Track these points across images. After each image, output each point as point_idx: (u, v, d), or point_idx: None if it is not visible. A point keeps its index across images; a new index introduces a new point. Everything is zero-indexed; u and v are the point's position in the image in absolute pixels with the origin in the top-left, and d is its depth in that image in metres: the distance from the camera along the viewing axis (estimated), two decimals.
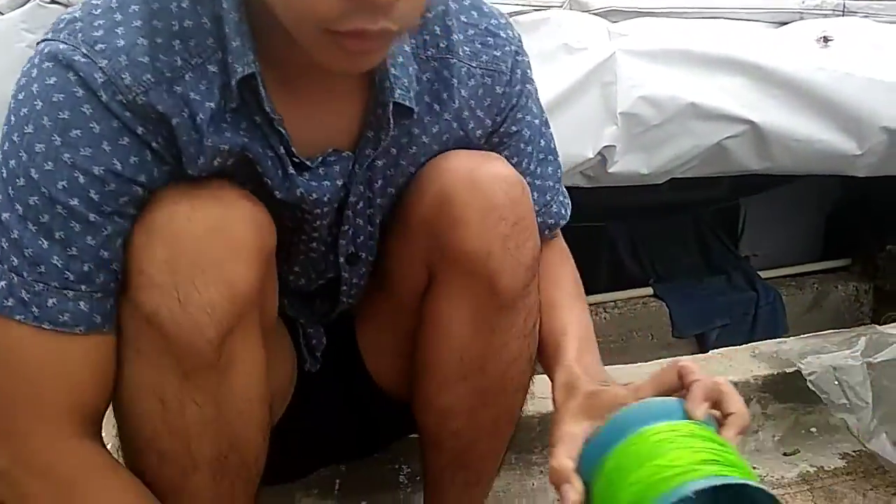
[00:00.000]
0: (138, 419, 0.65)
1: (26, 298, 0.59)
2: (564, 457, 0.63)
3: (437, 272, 0.75)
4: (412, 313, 0.80)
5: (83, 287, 0.60)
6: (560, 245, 0.90)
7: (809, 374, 1.21)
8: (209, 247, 0.59)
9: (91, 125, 0.59)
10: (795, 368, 1.24)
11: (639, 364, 1.27)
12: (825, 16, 1.62)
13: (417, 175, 0.75)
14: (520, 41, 0.79)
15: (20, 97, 0.60)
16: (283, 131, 0.65)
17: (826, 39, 1.56)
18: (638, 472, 0.57)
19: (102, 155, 0.59)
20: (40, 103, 0.59)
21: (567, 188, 0.90)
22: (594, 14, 1.57)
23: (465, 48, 0.73)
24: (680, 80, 1.50)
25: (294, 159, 0.67)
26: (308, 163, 0.68)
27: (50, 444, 0.61)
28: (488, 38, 0.75)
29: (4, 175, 0.60)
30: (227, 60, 0.61)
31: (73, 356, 0.61)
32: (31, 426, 0.60)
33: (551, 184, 0.85)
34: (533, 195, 0.77)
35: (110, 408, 0.67)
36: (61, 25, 0.61)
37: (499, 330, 0.75)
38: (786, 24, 1.62)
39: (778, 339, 1.38)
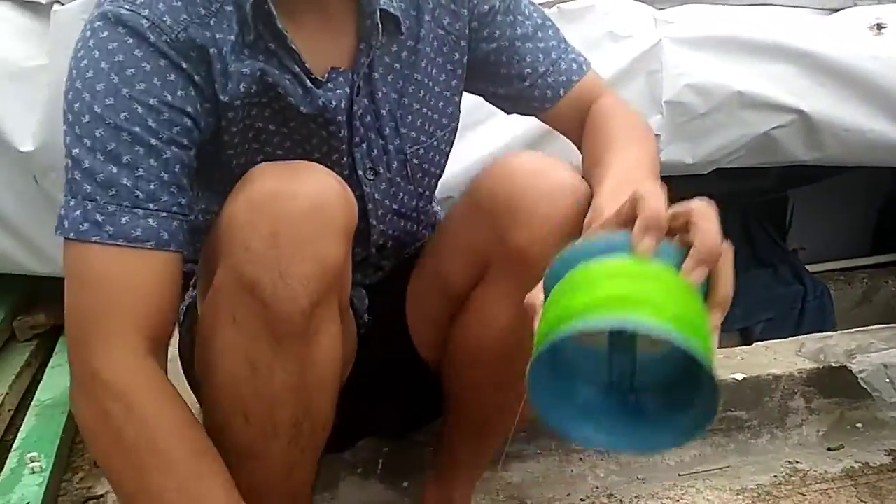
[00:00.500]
0: (228, 383, 0.69)
1: (100, 220, 0.64)
2: (537, 291, 0.61)
3: (493, 265, 0.79)
4: (460, 294, 0.84)
5: (151, 205, 0.66)
6: (604, 101, 0.88)
7: (860, 372, 1.19)
8: (309, 224, 0.64)
9: (143, 65, 0.67)
10: (842, 363, 1.22)
11: None
12: (879, 2, 1.58)
13: (485, 170, 0.79)
14: None
15: (79, 55, 0.68)
16: (295, 48, 0.73)
17: (880, 27, 1.51)
18: (548, 314, 0.52)
19: (155, 88, 0.67)
20: (97, 52, 0.67)
21: None
22: (640, 1, 1.55)
23: None
24: (727, 67, 1.47)
25: (310, 76, 0.75)
26: (320, 78, 0.76)
27: (124, 358, 0.64)
28: None
29: (70, 119, 0.67)
30: None
31: (144, 270, 0.66)
32: (107, 337, 0.64)
33: (554, 43, 0.88)
34: (538, 57, 0.85)
35: None
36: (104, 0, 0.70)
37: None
38: (838, 10, 1.58)
39: (823, 334, 1.36)
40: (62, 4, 1.24)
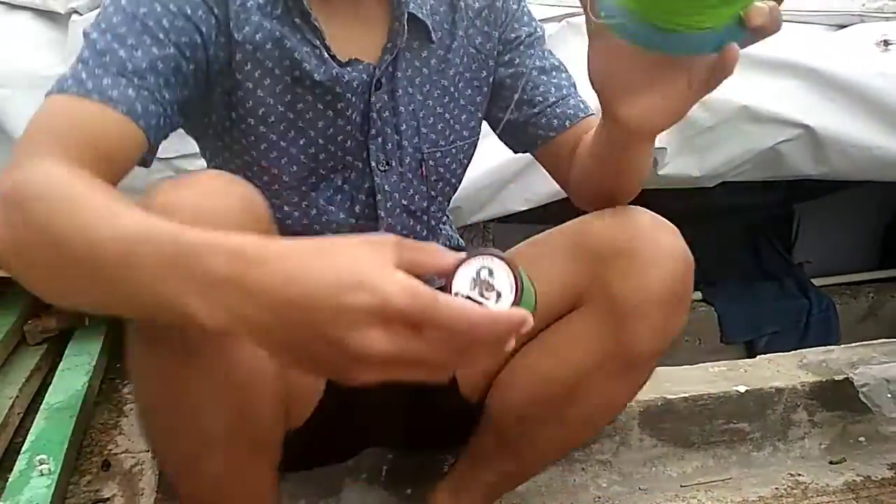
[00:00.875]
0: (149, 398, 0.68)
1: (83, 78, 0.65)
2: None
3: (587, 303, 0.80)
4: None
5: (136, 80, 0.67)
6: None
7: (862, 386, 1.19)
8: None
9: None
10: (844, 376, 1.23)
11: (685, 367, 1.28)
12: (886, 19, 1.59)
13: (600, 214, 0.81)
14: None
15: None
16: (319, 26, 0.77)
17: (887, 43, 1.53)
18: None
19: (177, 0, 0.71)
20: None
21: None
22: None
23: None
24: (733, 82, 1.44)
25: (329, 52, 0.78)
26: (340, 59, 0.79)
27: (52, 167, 0.56)
28: None
29: (100, 18, 0.70)
30: None
31: (104, 123, 0.64)
32: (45, 153, 0.58)
33: (566, 84, 0.90)
34: (550, 89, 0.88)
35: None
36: None
37: (614, 380, 0.82)
38: (845, 27, 1.59)
39: (825, 348, 1.36)
40: (80, 14, 1.27)
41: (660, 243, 0.76)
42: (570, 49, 1.47)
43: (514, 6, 0.90)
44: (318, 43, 0.78)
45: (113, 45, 0.69)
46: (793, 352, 1.32)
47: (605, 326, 0.78)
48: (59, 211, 0.50)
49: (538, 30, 0.92)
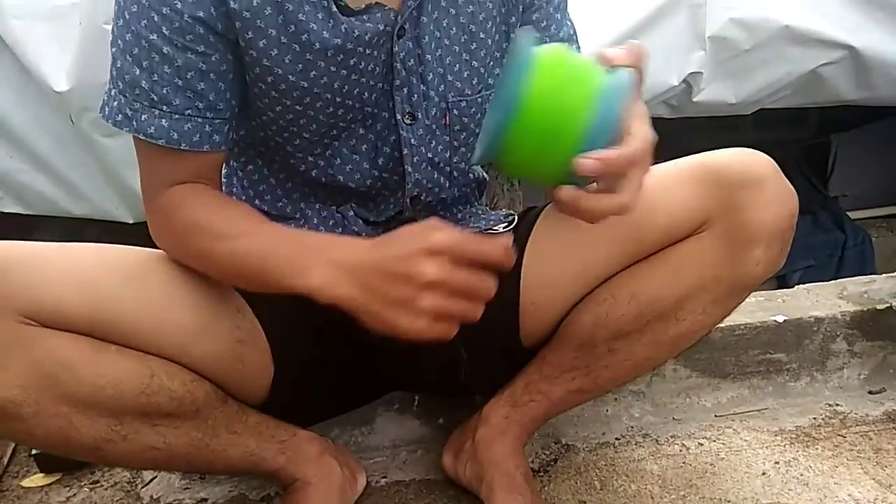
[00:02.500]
0: None
1: (129, 114, 0.74)
2: None
3: (711, 228, 0.82)
4: (650, 248, 0.84)
5: (164, 108, 0.73)
6: None
7: None
8: None
9: None
10: (886, 305, 1.19)
11: None
12: None
13: (719, 153, 0.82)
14: None
15: None
16: None
17: None
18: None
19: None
20: None
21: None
22: None
23: None
24: (773, 0, 1.41)
25: (338, 3, 0.74)
26: (352, 7, 0.75)
27: (164, 193, 0.77)
28: None
29: (115, 18, 0.74)
30: None
31: (160, 159, 0.76)
32: (158, 188, 0.77)
33: (569, 29, 0.90)
34: (560, 31, 0.87)
35: None
36: None
37: (716, 304, 0.84)
38: None
39: (867, 278, 1.32)
40: None
41: (782, 181, 0.81)
42: None
43: None
44: None
45: (134, 72, 0.72)
46: (833, 281, 1.28)
47: (726, 251, 0.81)
48: (200, 236, 0.75)
49: None
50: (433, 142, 0.85)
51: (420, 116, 0.82)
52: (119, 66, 0.73)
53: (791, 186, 0.82)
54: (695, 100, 1.49)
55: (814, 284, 1.26)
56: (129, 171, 1.28)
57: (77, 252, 0.76)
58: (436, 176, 0.87)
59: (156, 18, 0.71)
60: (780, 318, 1.16)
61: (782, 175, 0.82)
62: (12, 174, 1.34)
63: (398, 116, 0.81)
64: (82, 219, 1.41)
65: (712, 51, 1.42)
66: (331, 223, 0.88)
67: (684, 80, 1.45)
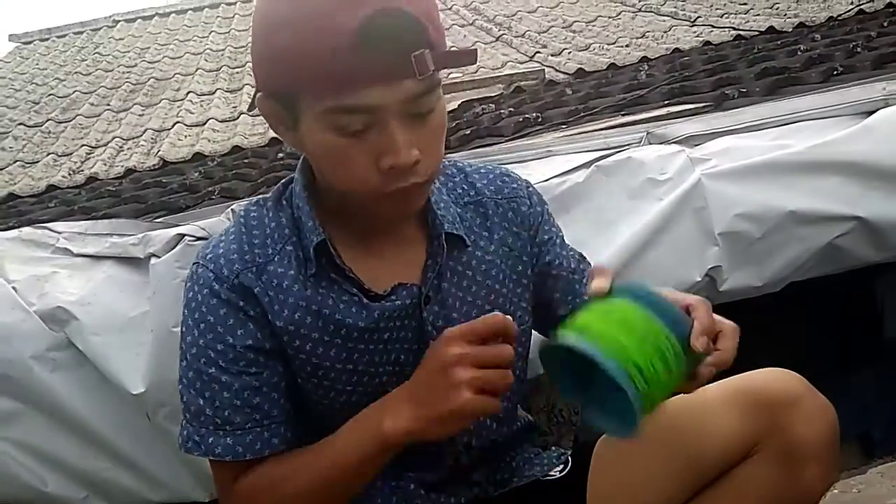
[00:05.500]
0: None
1: (198, 440, 0.85)
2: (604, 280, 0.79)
3: (763, 450, 0.85)
4: (709, 475, 0.88)
5: (227, 427, 0.84)
6: None
7: None
8: None
9: (209, 317, 0.84)
10: None
11: None
12: None
13: (753, 374, 0.89)
14: (527, 181, 1.01)
15: (183, 310, 0.88)
16: (355, 277, 0.85)
17: None
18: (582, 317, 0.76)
19: (220, 335, 0.84)
20: (187, 310, 0.87)
21: None
22: (673, 142, 1.63)
23: (489, 189, 0.96)
24: (773, 191, 1.51)
25: (368, 295, 0.86)
26: (380, 293, 0.86)
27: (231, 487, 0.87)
28: (504, 178, 0.98)
29: (180, 359, 0.87)
30: (303, 238, 0.86)
31: (227, 474, 0.87)
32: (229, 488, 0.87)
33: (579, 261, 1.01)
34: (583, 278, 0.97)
35: None
36: (197, 253, 0.90)
37: None
38: (872, 112, 1.61)
39: None
40: (158, 257, 1.40)
41: (817, 395, 0.85)
42: (602, 190, 1.54)
43: (541, 215, 0.98)
44: (355, 291, 0.85)
45: (199, 403, 0.84)
46: None
47: (782, 472, 0.83)
48: (283, 487, 0.84)
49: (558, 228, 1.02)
50: None
51: None
52: (185, 400, 0.85)
53: (825, 400, 0.85)
54: (721, 289, 1.54)
55: (887, 465, 1.23)
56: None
57: None
58: (484, 419, 0.93)
59: (212, 355, 0.83)
60: None
61: (814, 390, 0.86)
62: (97, 473, 1.43)
63: None
64: None
65: (726, 245, 1.50)
66: (393, 500, 0.93)
67: (706, 275, 1.51)
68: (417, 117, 0.78)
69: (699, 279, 1.51)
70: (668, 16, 4.46)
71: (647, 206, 1.51)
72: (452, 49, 0.80)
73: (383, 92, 0.74)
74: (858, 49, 2.34)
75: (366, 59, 0.72)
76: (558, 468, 0.99)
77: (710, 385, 0.91)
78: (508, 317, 0.78)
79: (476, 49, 0.82)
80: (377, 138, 0.77)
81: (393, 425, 0.79)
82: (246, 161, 2.64)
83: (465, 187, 0.95)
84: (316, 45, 0.73)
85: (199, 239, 1.38)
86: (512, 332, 0.78)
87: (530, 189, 1.00)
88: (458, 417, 0.76)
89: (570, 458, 0.99)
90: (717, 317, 0.79)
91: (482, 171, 0.98)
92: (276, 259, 0.85)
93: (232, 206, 1.50)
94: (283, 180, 0.93)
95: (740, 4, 4.48)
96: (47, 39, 6.35)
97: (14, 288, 1.42)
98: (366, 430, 0.81)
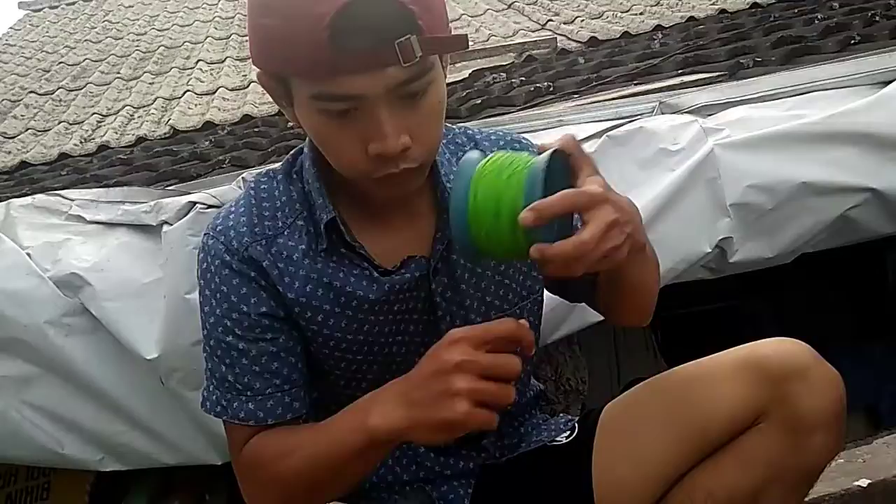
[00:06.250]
0: None
1: (224, 405, 0.87)
2: None
3: (769, 420, 0.85)
4: (715, 441, 0.88)
5: (248, 393, 0.85)
6: None
7: None
8: None
9: (223, 287, 0.85)
10: None
11: None
12: None
13: (763, 343, 0.89)
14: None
15: (198, 280, 0.89)
16: (365, 253, 0.86)
17: None
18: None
19: (235, 304, 0.85)
20: (202, 280, 0.88)
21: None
22: (686, 112, 1.61)
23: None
24: (786, 162, 1.49)
25: (378, 269, 0.86)
26: (390, 269, 0.86)
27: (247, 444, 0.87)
28: (515, 144, 0.97)
29: (201, 328, 0.89)
30: (314, 213, 0.86)
31: (248, 436, 0.87)
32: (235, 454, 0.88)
33: None
34: None
35: None
36: (207, 224, 0.91)
37: (792, 491, 0.87)
38: (889, 83, 1.58)
39: None
40: (170, 224, 1.41)
41: (825, 365, 0.85)
42: (614, 160, 1.53)
43: None
44: (366, 266, 0.86)
45: (221, 370, 0.86)
46: None
47: (788, 441, 0.84)
48: (282, 463, 0.83)
49: None
50: None
51: None
52: (210, 366, 0.87)
53: (834, 370, 0.86)
54: (731, 261, 1.54)
55: (893, 436, 1.24)
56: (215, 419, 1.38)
57: None
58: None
59: (228, 323, 0.85)
60: (865, 483, 1.13)
61: (822, 360, 0.86)
62: (112, 436, 1.45)
63: None
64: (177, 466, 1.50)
65: (737, 216, 1.49)
66: (404, 462, 0.94)
67: (717, 246, 1.51)
68: (408, 100, 0.76)
69: (709, 250, 1.51)
70: None
71: (658, 177, 1.50)
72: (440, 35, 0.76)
73: (365, 80, 0.72)
74: (877, 18, 2.29)
75: (344, 47, 0.70)
76: (565, 434, 1.00)
77: (718, 353, 0.92)
78: (525, 323, 0.74)
79: (466, 35, 0.79)
80: (365, 124, 0.75)
81: (380, 422, 0.75)
82: (256, 130, 2.63)
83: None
84: (295, 32, 0.71)
85: (210, 207, 1.39)
86: (527, 341, 0.74)
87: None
88: (450, 428, 0.71)
89: (576, 425, 1.00)
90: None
91: (492, 137, 0.97)
92: (285, 233, 0.86)
93: (243, 175, 1.51)
94: (293, 150, 0.93)
95: None
96: (56, 7, 6.32)
97: (28, 254, 1.44)
98: (354, 421, 0.78)
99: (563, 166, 0.75)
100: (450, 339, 0.73)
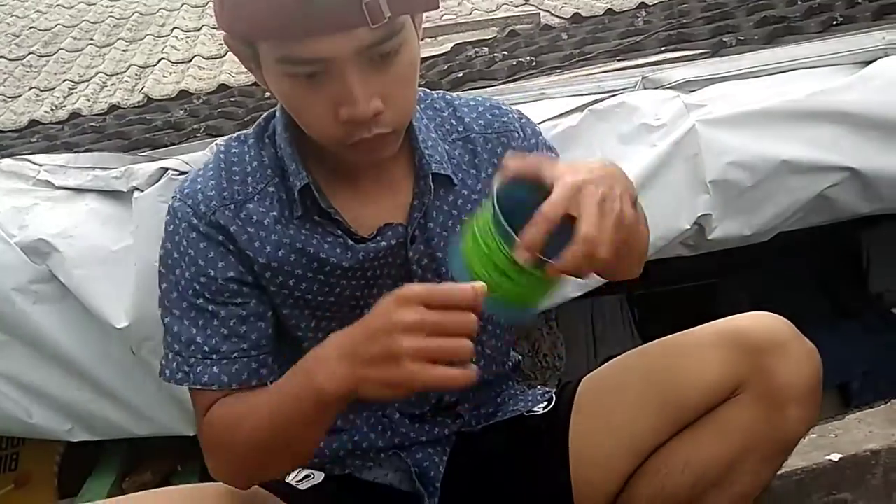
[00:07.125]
0: None
1: (186, 370, 0.83)
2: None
3: (747, 391, 0.86)
4: (695, 411, 0.88)
5: (214, 356, 0.83)
6: None
7: None
8: None
9: (191, 251, 0.83)
10: None
11: None
12: None
13: (740, 317, 0.89)
14: (519, 111, 0.98)
15: (162, 245, 0.86)
16: (341, 220, 0.84)
17: None
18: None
19: (202, 268, 0.83)
20: (169, 243, 0.85)
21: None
22: (668, 88, 1.60)
23: (478, 123, 0.93)
24: (766, 139, 1.49)
25: (353, 237, 0.84)
26: (366, 237, 0.85)
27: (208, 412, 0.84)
28: (494, 111, 0.95)
29: (161, 295, 0.86)
30: (287, 179, 0.84)
31: (241, 400, 0.83)
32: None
33: None
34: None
35: None
36: (175, 187, 0.89)
37: (767, 462, 0.88)
38: (870, 62, 1.58)
39: None
40: (141, 191, 1.38)
41: (802, 340, 0.86)
42: (595, 134, 1.52)
43: (533, 140, 0.95)
44: (340, 233, 0.84)
45: (190, 331, 0.83)
46: (882, 405, 1.27)
47: (765, 413, 0.84)
48: (237, 430, 0.80)
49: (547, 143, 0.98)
50: None
51: None
52: (175, 330, 0.84)
53: (811, 345, 0.87)
54: (710, 237, 1.54)
55: (865, 412, 1.25)
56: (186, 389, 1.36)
57: (148, 500, 0.84)
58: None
59: (197, 287, 0.83)
60: (836, 457, 1.15)
61: (801, 335, 0.87)
62: (81, 405, 1.43)
63: None
64: (147, 437, 1.48)
65: (717, 193, 1.49)
66: (379, 429, 0.94)
67: (696, 223, 1.51)
68: (378, 63, 0.73)
69: (688, 227, 1.51)
70: None
71: (640, 152, 1.49)
72: None
73: (332, 42, 0.70)
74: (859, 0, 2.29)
75: (309, 8, 0.68)
76: (542, 405, 0.99)
77: (697, 327, 0.92)
78: (481, 286, 0.67)
79: None
80: (334, 88, 0.73)
81: (326, 381, 0.70)
82: (232, 99, 2.58)
83: (454, 122, 0.92)
84: None
85: (182, 173, 1.36)
86: (479, 308, 0.67)
87: (523, 121, 0.96)
88: (398, 386, 0.67)
89: (553, 396, 1.00)
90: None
91: (471, 103, 0.95)
92: (255, 199, 0.84)
93: (217, 141, 1.47)
94: (265, 114, 0.90)
95: None
96: None
97: None
98: (300, 383, 0.74)
99: (517, 184, 0.73)
100: (398, 295, 0.67)
